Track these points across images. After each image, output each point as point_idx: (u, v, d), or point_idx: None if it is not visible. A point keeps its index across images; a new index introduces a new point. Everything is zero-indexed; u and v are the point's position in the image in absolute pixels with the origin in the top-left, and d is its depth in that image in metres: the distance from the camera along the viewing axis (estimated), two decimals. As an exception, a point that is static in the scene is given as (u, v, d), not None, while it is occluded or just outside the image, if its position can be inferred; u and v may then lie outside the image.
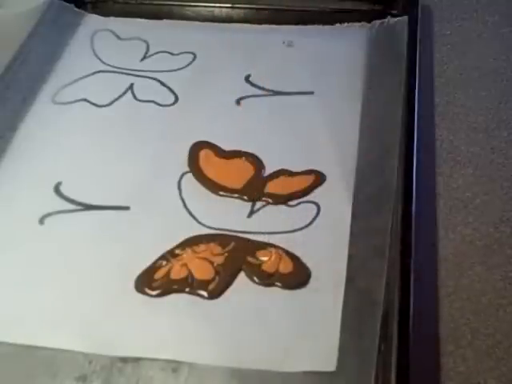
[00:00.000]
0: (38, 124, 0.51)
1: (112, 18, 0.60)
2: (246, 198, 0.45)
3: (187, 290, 0.40)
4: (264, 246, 0.42)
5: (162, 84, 0.54)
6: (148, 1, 0.62)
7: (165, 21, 0.59)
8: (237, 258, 0.41)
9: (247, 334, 0.38)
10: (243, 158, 0.47)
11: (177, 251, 0.42)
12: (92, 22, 0.60)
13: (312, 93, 0.51)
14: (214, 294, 0.40)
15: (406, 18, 0.55)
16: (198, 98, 0.52)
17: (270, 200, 0.44)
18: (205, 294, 0.40)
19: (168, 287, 0.40)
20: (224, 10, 0.60)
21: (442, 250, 0.42)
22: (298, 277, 0.40)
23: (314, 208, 0.44)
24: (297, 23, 0.57)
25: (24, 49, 0.55)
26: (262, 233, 0.43)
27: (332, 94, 0.51)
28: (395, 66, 0.51)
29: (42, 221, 0.44)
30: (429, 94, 0.52)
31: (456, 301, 0.40)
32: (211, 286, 0.40)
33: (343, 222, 0.43)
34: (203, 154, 0.48)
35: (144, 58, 0.56)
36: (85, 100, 0.52)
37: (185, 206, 0.45)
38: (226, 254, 0.41)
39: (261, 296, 0.39)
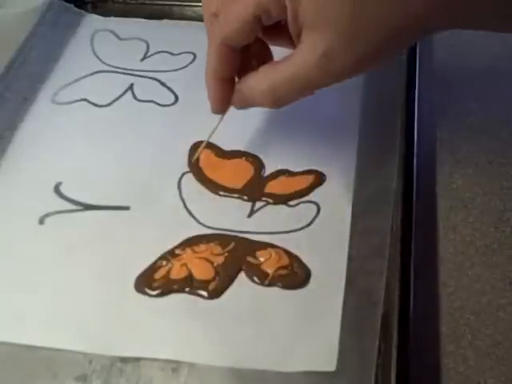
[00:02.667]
0: (38, 124, 0.51)
1: (112, 18, 0.60)
2: (246, 198, 0.45)
3: (187, 289, 0.40)
4: (264, 245, 0.42)
5: (162, 84, 0.54)
6: (148, 1, 0.62)
7: (165, 21, 0.60)
8: (237, 257, 0.41)
9: (247, 334, 0.38)
10: (243, 157, 0.47)
11: (177, 251, 0.42)
12: (92, 21, 0.60)
13: (311, 93, 0.51)
14: (214, 294, 0.40)
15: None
16: (198, 97, 0.52)
17: (270, 200, 0.45)
18: (205, 293, 0.40)
19: (168, 287, 0.40)
20: (224, 10, 0.60)
21: (442, 250, 0.42)
22: (297, 277, 0.40)
23: (313, 208, 0.44)
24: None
25: (24, 49, 0.55)
26: (262, 233, 0.43)
27: (331, 94, 0.51)
28: (395, 65, 0.51)
29: (42, 221, 0.44)
30: (429, 93, 0.52)
31: (456, 301, 0.40)
32: (211, 286, 0.40)
33: (343, 222, 0.43)
34: (203, 154, 0.48)
35: (144, 57, 0.56)
36: (85, 100, 0.52)
37: (185, 206, 0.45)
38: (226, 254, 0.41)
39: (261, 296, 0.39)
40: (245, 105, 0.42)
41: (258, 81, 0.40)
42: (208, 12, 0.41)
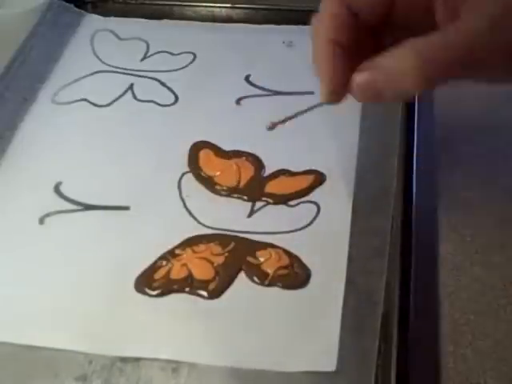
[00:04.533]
0: (38, 124, 0.51)
1: (112, 18, 0.60)
2: (245, 198, 0.45)
3: (187, 289, 0.40)
4: (264, 246, 0.42)
5: (162, 84, 0.54)
6: (148, 1, 0.62)
7: (165, 21, 0.60)
8: (237, 257, 0.41)
9: (247, 334, 0.38)
10: (243, 157, 0.47)
11: (177, 251, 0.42)
12: (92, 21, 0.60)
13: (312, 93, 0.51)
14: (214, 294, 0.40)
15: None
16: (198, 98, 0.52)
17: (270, 200, 0.44)
18: (205, 293, 0.40)
19: (168, 287, 0.40)
20: (224, 9, 0.60)
21: (442, 249, 0.42)
22: (298, 277, 0.40)
23: (314, 208, 0.44)
24: (297, 23, 0.57)
25: (24, 49, 0.55)
26: (262, 233, 0.43)
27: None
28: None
29: (42, 221, 0.44)
30: (428, 93, 0.52)
31: (456, 301, 0.40)
32: (211, 286, 0.40)
33: (343, 222, 0.43)
34: (203, 154, 0.48)
35: (144, 58, 0.56)
36: (85, 100, 0.52)
37: (185, 206, 0.45)
38: (226, 254, 0.41)
39: (261, 296, 0.39)
40: (375, 93, 0.31)
41: (399, 56, 0.30)
42: None
